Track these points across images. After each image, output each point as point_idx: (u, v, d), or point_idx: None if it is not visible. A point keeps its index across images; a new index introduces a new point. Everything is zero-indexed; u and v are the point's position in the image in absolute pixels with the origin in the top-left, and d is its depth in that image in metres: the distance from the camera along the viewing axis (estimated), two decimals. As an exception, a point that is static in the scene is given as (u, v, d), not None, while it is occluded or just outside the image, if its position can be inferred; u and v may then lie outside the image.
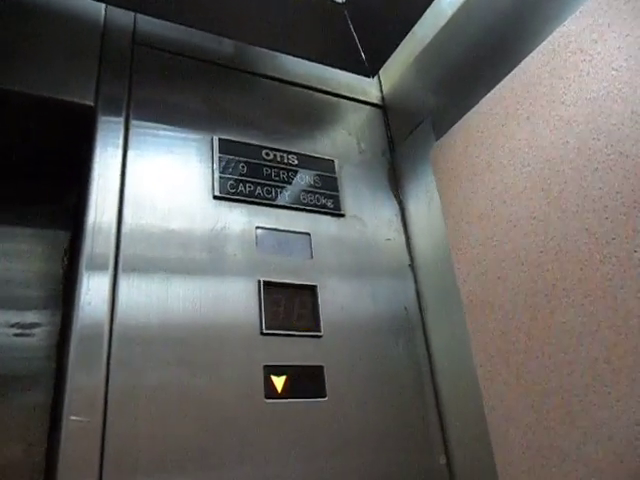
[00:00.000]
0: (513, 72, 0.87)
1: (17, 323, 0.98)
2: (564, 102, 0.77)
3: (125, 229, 0.87)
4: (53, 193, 1.05)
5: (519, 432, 0.78)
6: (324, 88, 1.23)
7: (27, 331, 0.98)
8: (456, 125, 0.99)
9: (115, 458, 0.72)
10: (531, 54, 0.84)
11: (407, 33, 1.13)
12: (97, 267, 0.82)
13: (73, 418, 0.72)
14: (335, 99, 1.24)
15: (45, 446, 0.91)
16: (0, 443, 0.92)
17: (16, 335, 0.98)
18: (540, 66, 0.81)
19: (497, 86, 0.90)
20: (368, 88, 1.30)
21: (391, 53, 1.15)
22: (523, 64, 0.85)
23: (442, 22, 1.09)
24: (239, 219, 0.97)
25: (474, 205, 0.92)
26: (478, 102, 0.94)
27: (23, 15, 0.95)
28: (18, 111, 0.91)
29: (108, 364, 0.76)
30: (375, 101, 1.29)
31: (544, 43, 0.81)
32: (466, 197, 0.94)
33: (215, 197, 0.97)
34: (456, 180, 0.97)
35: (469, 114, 0.96)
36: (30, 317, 1.00)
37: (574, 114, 0.75)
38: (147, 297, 0.83)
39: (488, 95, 0.92)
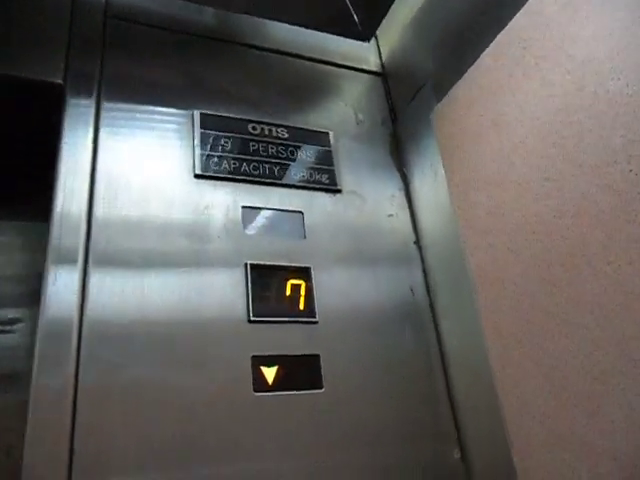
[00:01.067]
0: (518, 14, 0.76)
1: (-4, 319, 0.93)
2: (577, 40, 0.66)
3: (97, 214, 0.80)
4: (29, 183, 0.99)
5: (537, 421, 0.69)
6: (316, 57, 1.13)
7: (7, 327, 0.93)
8: (457, 84, 0.89)
9: (85, 459, 0.65)
10: (538, -9, 0.73)
11: (401, -11, 1.03)
12: (65, 259, 0.75)
13: (39, 418, 0.66)
14: (329, 68, 1.14)
15: (26, 448, 0.86)
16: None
17: (-4, 332, 0.92)
18: (549, 3, 0.71)
19: (501, 33, 0.79)
20: (365, 55, 1.20)
21: (385, 13, 1.06)
22: (529, 4, 0.74)
23: (440, -25, 0.99)
24: (223, 199, 0.89)
25: (480, 170, 0.82)
26: (480, 55, 0.84)
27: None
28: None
29: (78, 361, 0.69)
30: (374, 68, 1.19)
31: (552, -25, 0.70)
32: (471, 162, 0.84)
33: (196, 176, 0.89)
34: (460, 144, 0.87)
35: (471, 70, 0.86)
36: (10, 313, 0.94)
37: (590, 52, 0.65)
38: (121, 289, 0.76)
39: (491, 45, 0.82)
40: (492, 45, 0.82)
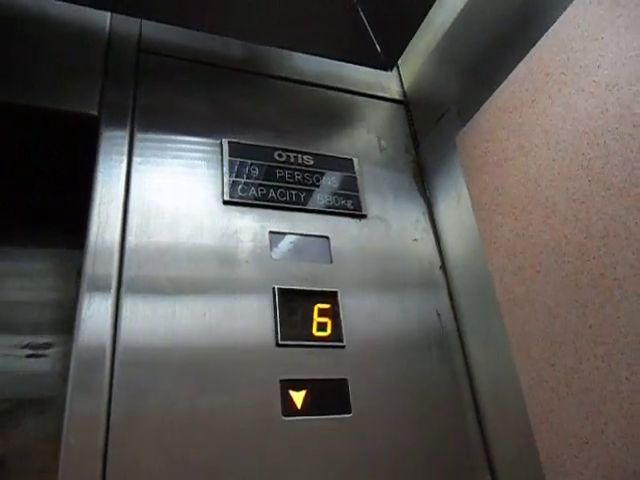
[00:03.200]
0: (540, 41, 0.78)
1: (29, 344, 0.95)
2: (600, 65, 0.67)
3: (129, 241, 0.82)
4: (63, 210, 1.03)
5: (573, 449, 0.67)
6: (340, 86, 1.16)
7: (40, 352, 0.95)
8: (482, 108, 0.90)
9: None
10: (559, 18, 0.74)
11: (422, 20, 1.05)
12: (99, 287, 0.76)
13: (72, 443, 0.66)
14: (352, 96, 1.17)
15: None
16: (14, 470, 0.88)
17: (28, 356, 0.94)
18: (571, 29, 0.72)
19: (523, 59, 0.81)
20: (387, 84, 1.23)
21: (407, 42, 1.08)
22: (551, 31, 0.76)
23: (460, 4, 1.01)
24: (251, 224, 0.91)
25: (506, 193, 0.83)
26: (503, 81, 0.85)
27: (26, 25, 0.94)
28: (21, 125, 0.89)
29: (110, 387, 0.70)
30: (396, 97, 1.22)
31: (574, 2, 0.72)
32: (497, 185, 0.85)
33: (225, 202, 0.91)
34: (485, 168, 0.88)
35: (495, 94, 0.87)
36: (43, 338, 0.96)
37: (613, 77, 0.65)
38: (152, 315, 0.77)
39: (514, 72, 0.83)
40: (514, 71, 0.83)
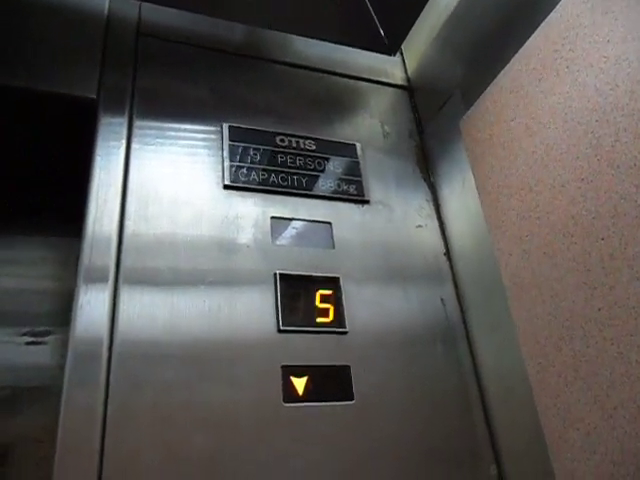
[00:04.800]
0: (547, 18, 0.76)
1: (29, 331, 0.93)
2: (610, 40, 0.65)
3: (128, 227, 0.80)
4: (62, 197, 1.01)
5: (581, 434, 0.65)
6: (343, 71, 1.14)
7: (39, 339, 0.94)
8: (487, 90, 0.88)
9: (114, 476, 0.64)
10: (567, -6, 0.72)
11: (425, 3, 1.03)
12: (96, 278, 0.75)
13: (68, 437, 0.65)
14: (356, 82, 1.15)
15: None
16: (13, 458, 0.87)
17: (28, 344, 0.93)
18: (580, 4, 0.70)
19: (530, 38, 0.79)
20: (391, 70, 1.21)
21: (411, 26, 1.06)
22: (559, 7, 0.74)
23: (465, -15, 0.99)
24: (252, 209, 0.90)
25: (513, 175, 0.81)
26: (509, 61, 0.83)
27: (24, 9, 0.92)
28: (19, 108, 0.88)
29: (108, 379, 0.69)
30: (400, 82, 1.20)
31: (581, -23, 0.70)
32: (503, 168, 0.83)
33: (226, 187, 0.90)
34: (491, 150, 0.86)
35: (500, 75, 0.85)
36: (42, 325, 0.95)
37: (623, 52, 0.63)
38: (151, 304, 0.75)
39: (520, 51, 0.81)
40: (520, 50, 0.81)
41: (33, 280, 0.99)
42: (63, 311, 0.96)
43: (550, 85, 0.74)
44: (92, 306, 0.73)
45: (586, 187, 0.67)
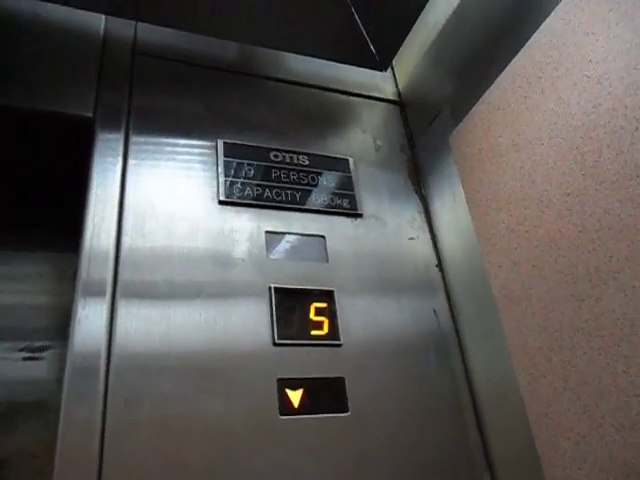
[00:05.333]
0: (532, 38, 0.78)
1: (26, 347, 0.94)
2: (592, 60, 0.68)
3: (125, 242, 0.81)
4: (59, 214, 1.02)
5: (571, 443, 0.67)
6: (335, 87, 1.17)
7: (36, 355, 0.94)
8: (475, 107, 0.90)
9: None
10: (551, 15, 0.75)
11: (415, 20, 1.06)
12: (94, 291, 0.76)
13: (67, 451, 0.66)
14: (347, 97, 1.17)
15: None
16: (7, 473, 0.88)
17: (25, 359, 0.94)
18: (563, 25, 0.73)
19: (516, 56, 0.81)
20: (382, 85, 1.23)
21: (401, 42, 1.09)
22: (543, 27, 0.76)
23: (453, 4, 1.02)
24: (247, 224, 0.91)
25: (501, 189, 0.83)
26: (496, 79, 0.86)
27: (21, 28, 0.94)
28: (16, 126, 0.89)
29: (105, 395, 0.69)
30: (391, 97, 1.22)
31: (564, 0, 0.72)
32: (492, 182, 0.85)
33: (221, 202, 0.91)
34: (480, 165, 0.88)
35: (488, 92, 0.87)
36: (39, 341, 0.96)
37: (605, 71, 0.66)
38: (148, 318, 0.76)
39: (506, 69, 0.84)
40: (507, 68, 0.84)
41: (30, 295, 1.00)
42: (60, 326, 0.98)
43: (535, 102, 0.77)
44: (90, 320, 0.74)
45: (572, 201, 0.69)
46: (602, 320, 0.64)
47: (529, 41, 0.79)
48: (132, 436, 0.69)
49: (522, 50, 0.80)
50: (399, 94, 1.23)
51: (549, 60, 0.74)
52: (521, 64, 0.80)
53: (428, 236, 1.04)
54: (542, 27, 0.76)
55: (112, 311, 0.76)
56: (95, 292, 0.76)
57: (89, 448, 0.66)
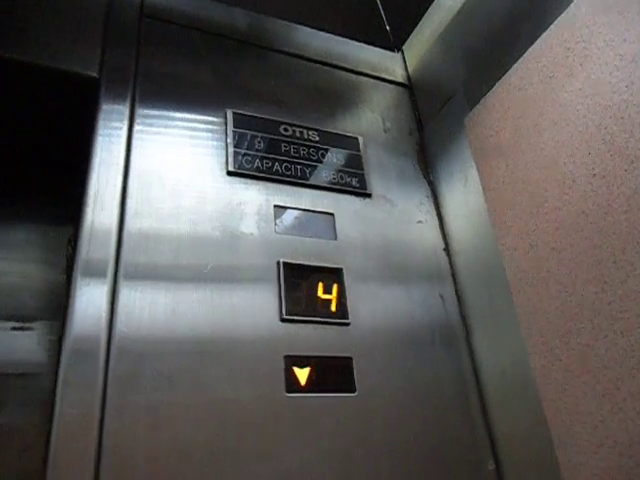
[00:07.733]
0: (560, 18, 0.77)
1: (14, 316, 0.89)
2: (626, 39, 0.66)
3: (130, 209, 0.78)
4: (57, 179, 0.98)
5: (587, 427, 0.66)
6: (343, 65, 1.14)
7: (27, 324, 0.90)
8: (493, 89, 0.89)
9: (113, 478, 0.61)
10: (581, -7, 0.74)
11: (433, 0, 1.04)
12: (94, 271, 0.71)
13: (63, 440, 0.61)
14: (357, 77, 1.15)
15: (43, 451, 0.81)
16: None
17: (14, 329, 0.89)
18: (595, 3, 0.71)
19: (541, 37, 0.80)
20: (392, 67, 1.21)
21: (417, 23, 1.06)
22: (573, 6, 0.75)
23: (472, -15, 1.00)
24: (256, 197, 0.88)
25: (520, 171, 0.81)
26: (518, 60, 0.84)
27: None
28: (18, 81, 0.85)
29: (105, 382, 0.65)
30: (400, 80, 1.20)
31: (598, -24, 0.71)
32: (510, 165, 0.83)
33: (229, 173, 0.88)
34: (497, 148, 0.87)
35: (508, 74, 0.86)
36: (29, 311, 0.91)
37: (639, 51, 0.65)
38: (152, 291, 0.73)
39: (530, 49, 0.82)
40: (531, 49, 0.82)
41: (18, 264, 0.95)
42: (52, 297, 0.93)
43: (561, 83, 0.75)
44: (90, 301, 0.69)
45: (598, 182, 0.68)
46: (627, 302, 0.63)
47: (556, 20, 0.77)
48: (133, 420, 0.65)
49: (548, 29, 0.78)
50: (409, 78, 1.21)
51: (578, 39, 0.73)
52: (547, 44, 0.79)
53: (436, 220, 1.02)
54: (572, 5, 0.75)
55: (114, 285, 0.71)
56: (96, 268, 0.72)
57: (87, 433, 0.62)
